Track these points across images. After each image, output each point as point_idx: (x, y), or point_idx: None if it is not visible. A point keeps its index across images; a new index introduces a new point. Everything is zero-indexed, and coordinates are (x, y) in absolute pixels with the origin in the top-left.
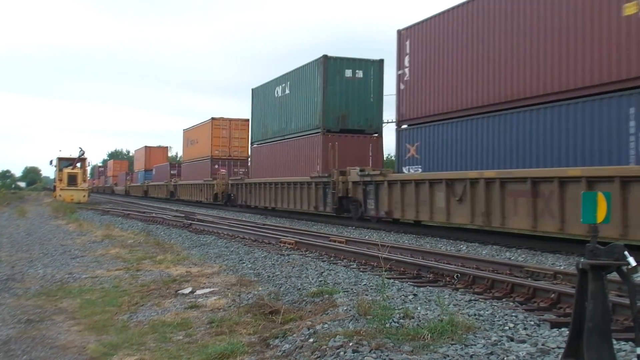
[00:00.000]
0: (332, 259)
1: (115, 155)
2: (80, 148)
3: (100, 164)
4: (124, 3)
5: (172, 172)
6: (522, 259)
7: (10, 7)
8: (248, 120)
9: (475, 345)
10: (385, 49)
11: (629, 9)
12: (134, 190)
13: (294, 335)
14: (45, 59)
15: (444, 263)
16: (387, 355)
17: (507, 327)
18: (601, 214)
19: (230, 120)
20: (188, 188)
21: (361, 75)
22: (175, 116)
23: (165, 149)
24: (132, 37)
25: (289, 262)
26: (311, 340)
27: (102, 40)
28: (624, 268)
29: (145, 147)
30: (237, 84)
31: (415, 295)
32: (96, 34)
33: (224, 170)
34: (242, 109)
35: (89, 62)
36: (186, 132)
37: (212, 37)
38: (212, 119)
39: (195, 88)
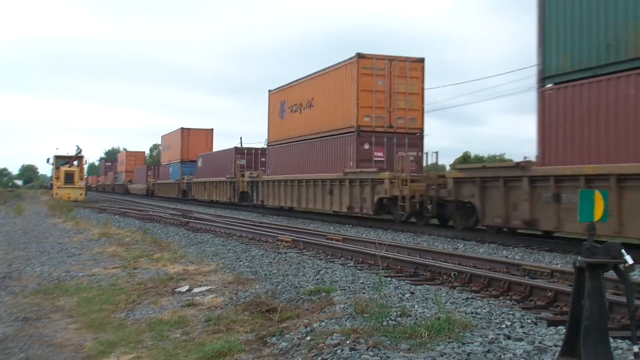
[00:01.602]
0: (329, 257)
1: (113, 154)
2: (77, 146)
3: (100, 159)
4: (120, 1)
5: (239, 161)
6: (519, 258)
7: (6, 4)
8: (422, 60)
9: (472, 343)
10: (386, 42)
11: None
12: (163, 190)
13: (291, 333)
14: (42, 57)
15: (441, 261)
16: (384, 354)
17: (504, 325)
18: (598, 212)
19: (391, 60)
20: (289, 188)
21: None
22: (174, 114)
23: (209, 132)
24: (130, 35)
25: (286, 260)
26: (308, 338)
27: (99, 39)
28: (621, 266)
29: (182, 129)
30: (237, 82)
31: (412, 293)
32: (92, 32)
33: (381, 154)
34: (243, 108)
35: (85, 61)
36: (278, 92)
37: (210, 34)
38: (359, 56)
39: (194, 86)
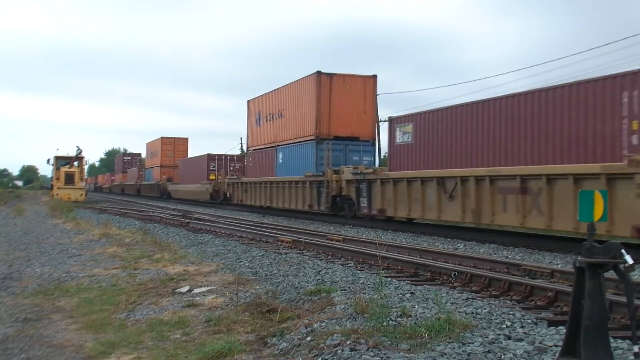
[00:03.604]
0: (329, 257)
1: (112, 154)
2: (77, 147)
3: (100, 159)
4: (121, 0)
5: None
6: (519, 258)
7: (7, 3)
8: None
9: (472, 343)
10: (392, 41)
11: None
12: (257, 194)
13: (292, 333)
14: (42, 57)
15: (441, 261)
16: (385, 354)
17: (504, 326)
18: (598, 212)
19: None
20: None
21: None
22: (176, 114)
23: (369, 82)
24: (131, 34)
25: (286, 260)
26: (309, 338)
27: (101, 38)
28: (621, 266)
29: (319, 74)
30: (237, 82)
31: (412, 293)
32: (94, 32)
33: None
34: (244, 107)
35: (86, 60)
36: None
37: (213, 33)
38: None
39: (194, 85)
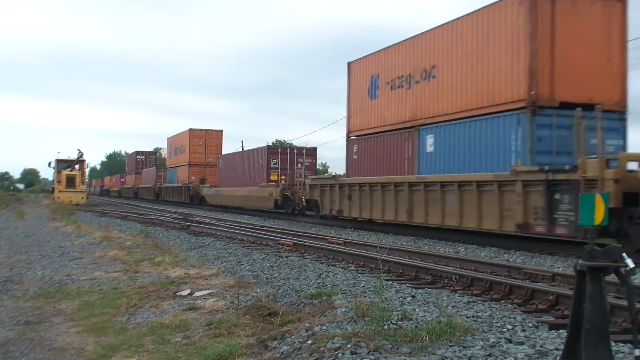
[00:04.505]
0: (330, 260)
1: (113, 157)
2: (78, 150)
3: (101, 162)
4: (122, 3)
5: None
6: (521, 261)
7: (8, 7)
8: None
9: (473, 347)
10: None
11: None
12: (382, 202)
13: (293, 337)
14: (42, 60)
15: (442, 265)
16: (385, 357)
17: (505, 329)
18: (599, 215)
19: None
20: None
21: None
22: (175, 116)
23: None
24: (129, 37)
25: (287, 263)
26: (309, 342)
27: (102, 42)
28: (622, 270)
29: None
30: (237, 85)
31: (413, 297)
32: (95, 35)
33: None
34: (244, 110)
35: (88, 63)
36: None
37: (213, 37)
38: None
39: (195, 88)
